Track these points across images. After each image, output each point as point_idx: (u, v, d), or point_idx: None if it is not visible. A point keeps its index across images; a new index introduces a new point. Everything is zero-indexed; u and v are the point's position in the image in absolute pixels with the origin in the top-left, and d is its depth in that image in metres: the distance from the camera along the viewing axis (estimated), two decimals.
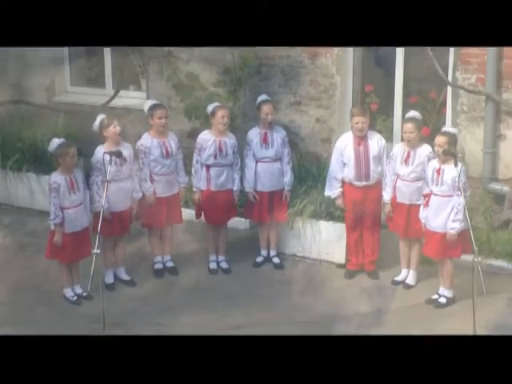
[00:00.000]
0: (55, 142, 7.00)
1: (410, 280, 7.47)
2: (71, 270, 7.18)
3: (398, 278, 7.53)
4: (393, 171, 7.32)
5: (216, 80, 9.20)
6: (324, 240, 7.87)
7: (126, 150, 7.27)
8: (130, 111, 9.98)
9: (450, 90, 8.61)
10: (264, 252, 7.99)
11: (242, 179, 7.74)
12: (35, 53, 10.15)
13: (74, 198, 6.98)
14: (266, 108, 7.62)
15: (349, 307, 7.09)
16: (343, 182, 7.54)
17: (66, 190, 6.93)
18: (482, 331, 6.05)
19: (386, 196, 7.40)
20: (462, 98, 8.48)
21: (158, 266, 7.78)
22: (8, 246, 8.47)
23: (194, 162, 7.62)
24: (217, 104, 7.66)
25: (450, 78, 8.49)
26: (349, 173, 7.47)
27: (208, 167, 7.57)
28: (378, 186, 7.48)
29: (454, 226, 6.78)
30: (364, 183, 7.46)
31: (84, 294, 7.19)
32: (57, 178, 6.94)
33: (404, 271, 7.53)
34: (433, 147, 7.06)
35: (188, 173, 7.72)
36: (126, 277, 7.55)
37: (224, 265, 7.85)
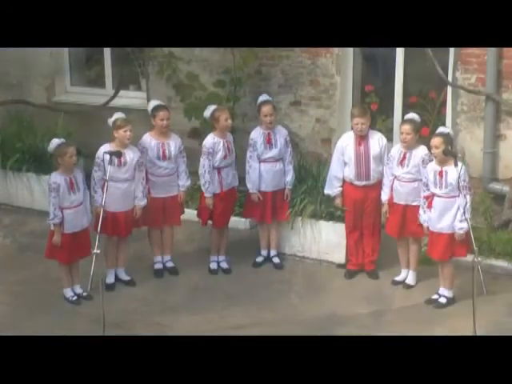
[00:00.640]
0: (54, 142, 7.01)
1: (410, 280, 7.47)
2: (71, 270, 7.18)
3: (398, 278, 7.53)
4: (390, 172, 7.33)
5: (216, 80, 9.19)
6: (324, 240, 7.87)
7: (131, 153, 7.25)
8: (130, 111, 9.98)
9: (449, 89, 8.61)
10: (264, 252, 7.99)
11: (243, 179, 7.73)
12: (35, 53, 10.16)
13: (73, 198, 6.98)
14: (265, 109, 7.61)
15: (349, 307, 7.09)
16: (344, 182, 7.55)
17: (65, 190, 6.94)
18: (481, 331, 6.05)
19: (384, 196, 7.40)
20: (462, 97, 8.48)
21: (158, 265, 7.78)
22: (8, 245, 8.47)
23: (205, 167, 7.47)
24: (214, 107, 7.61)
25: (450, 78, 8.49)
26: (349, 172, 7.47)
27: (219, 170, 7.56)
28: (379, 185, 7.48)
29: (462, 226, 6.75)
30: (364, 183, 7.46)
31: (84, 294, 7.19)
32: (56, 178, 6.94)
33: (404, 271, 7.53)
34: (430, 149, 7.05)
35: (190, 174, 7.68)
36: (125, 277, 7.54)
37: (224, 265, 7.85)
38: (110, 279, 7.45)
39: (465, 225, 6.73)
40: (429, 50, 8.34)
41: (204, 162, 7.50)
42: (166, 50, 9.32)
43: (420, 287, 7.41)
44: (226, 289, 7.46)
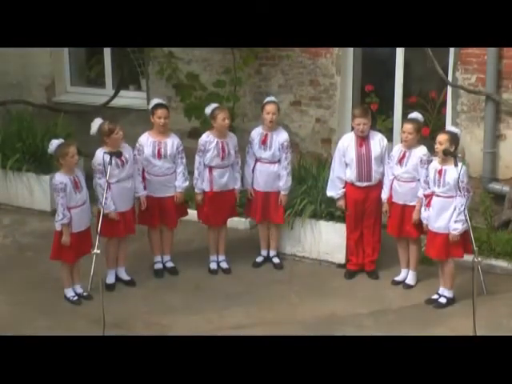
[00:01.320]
0: (54, 143, 6.98)
1: (410, 280, 7.47)
2: (72, 270, 7.18)
3: (398, 278, 7.53)
4: (391, 171, 7.33)
5: (216, 80, 9.20)
6: (324, 240, 7.87)
7: (127, 151, 7.26)
8: (130, 111, 10.00)
9: (449, 89, 8.62)
10: (264, 252, 7.99)
11: (242, 177, 7.75)
12: (35, 53, 10.16)
13: (78, 197, 6.98)
14: (268, 107, 7.60)
15: (349, 307, 7.09)
16: (345, 183, 7.54)
17: (71, 189, 6.93)
18: (481, 331, 6.05)
19: (383, 195, 7.41)
20: (462, 97, 8.49)
21: (158, 265, 7.78)
22: (8, 245, 8.47)
23: (196, 163, 7.59)
24: (215, 106, 7.62)
25: (450, 78, 8.50)
26: (351, 173, 7.47)
27: (211, 169, 7.56)
28: (380, 186, 7.48)
29: (456, 227, 6.77)
30: (366, 184, 7.46)
31: (84, 293, 7.19)
32: (62, 178, 6.93)
33: (404, 271, 7.53)
34: (432, 147, 7.06)
35: (189, 173, 7.69)
36: (126, 277, 7.54)
37: (224, 265, 7.85)
38: (110, 279, 7.45)
39: (459, 226, 6.74)
40: (429, 50, 8.34)
41: (196, 158, 7.58)
42: (165, 49, 9.32)
43: (420, 287, 7.42)
44: (226, 289, 7.46)
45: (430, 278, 7.40)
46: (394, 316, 6.94)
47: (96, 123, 7.17)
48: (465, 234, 6.78)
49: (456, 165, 6.65)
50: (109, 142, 7.12)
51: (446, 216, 6.84)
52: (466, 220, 6.44)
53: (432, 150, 7.17)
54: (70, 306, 7.10)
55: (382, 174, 7.46)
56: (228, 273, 7.80)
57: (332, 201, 7.69)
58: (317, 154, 9.11)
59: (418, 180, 7.14)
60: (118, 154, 7.02)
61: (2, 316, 6.90)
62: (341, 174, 7.53)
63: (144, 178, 7.47)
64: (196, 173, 7.59)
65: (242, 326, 6.74)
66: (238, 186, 7.70)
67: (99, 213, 6.87)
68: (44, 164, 9.18)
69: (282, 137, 7.66)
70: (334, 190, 7.60)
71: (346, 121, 8.96)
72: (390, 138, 8.73)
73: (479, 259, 6.04)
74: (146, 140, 7.45)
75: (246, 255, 8.00)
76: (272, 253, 7.96)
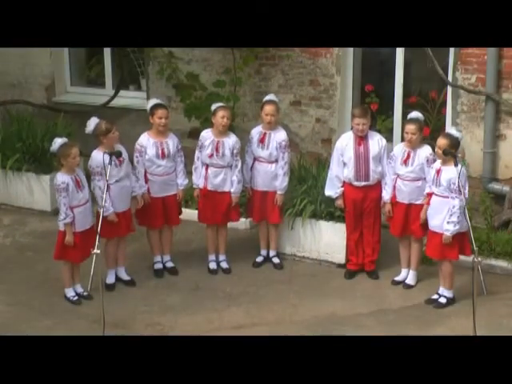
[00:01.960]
0: (57, 141, 6.95)
1: (410, 280, 7.47)
2: (73, 270, 7.17)
3: (398, 278, 7.53)
4: (393, 171, 7.33)
5: (216, 80, 9.20)
6: (324, 240, 7.87)
7: (123, 151, 7.25)
8: (130, 111, 10.00)
9: (449, 89, 8.62)
10: (264, 252, 8.00)
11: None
12: (35, 53, 10.17)
13: (81, 196, 6.98)
14: (267, 108, 7.60)
15: (349, 307, 7.09)
16: (343, 182, 7.55)
17: (74, 188, 6.92)
18: (481, 331, 6.05)
19: (386, 196, 7.40)
20: (462, 97, 8.49)
21: (158, 265, 7.78)
22: (8, 245, 8.47)
23: (195, 158, 7.62)
24: (219, 104, 7.64)
25: (450, 78, 8.50)
26: (348, 173, 7.47)
27: (207, 166, 7.58)
28: (378, 186, 7.48)
29: (448, 228, 6.78)
30: (363, 183, 7.46)
31: (84, 293, 7.19)
32: (64, 177, 6.91)
33: (404, 271, 7.53)
34: (433, 147, 7.06)
35: (188, 173, 7.70)
36: (126, 277, 7.54)
37: (224, 265, 7.85)
38: (110, 279, 7.45)
39: (451, 227, 6.74)
40: (429, 50, 8.34)
41: (196, 152, 7.63)
42: (165, 49, 9.32)
43: (420, 287, 7.42)
44: (225, 289, 7.46)
45: (430, 278, 7.40)
46: (394, 316, 6.94)
47: (92, 122, 7.15)
48: (461, 236, 6.79)
49: (456, 165, 6.65)
50: (105, 142, 7.10)
51: (441, 216, 6.84)
52: (466, 220, 6.44)
53: (432, 150, 7.18)
54: (70, 306, 7.10)
55: (381, 174, 7.46)
56: (228, 273, 7.80)
57: (332, 201, 7.68)
58: (317, 154, 9.11)
59: (424, 179, 7.14)
60: (118, 154, 7.01)
61: (2, 316, 6.89)
62: (339, 173, 7.53)
63: (147, 180, 7.47)
64: (193, 167, 7.63)
65: (241, 326, 6.74)
66: (233, 189, 7.61)
67: (99, 213, 6.88)
68: (44, 164, 9.18)
69: (279, 136, 7.64)
70: (332, 189, 7.60)
71: (346, 121, 8.96)
72: (390, 138, 8.73)
73: (479, 259, 6.03)
74: (147, 141, 7.44)
75: (246, 255, 8.00)
76: (272, 253, 7.96)
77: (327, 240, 7.85)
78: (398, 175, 7.29)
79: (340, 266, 7.82)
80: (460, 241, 6.83)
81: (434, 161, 7.06)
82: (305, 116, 9.32)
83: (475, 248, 6.08)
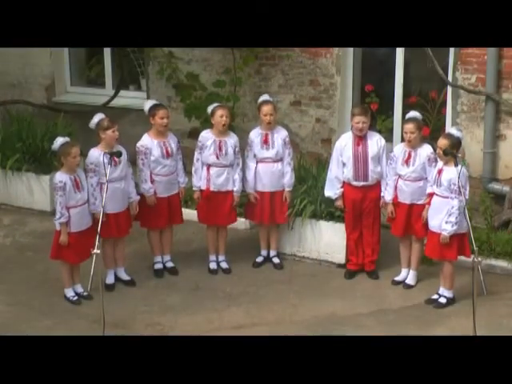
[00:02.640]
0: (59, 140, 6.98)
1: (410, 280, 7.47)
2: (72, 270, 7.17)
3: (398, 278, 7.53)
4: (394, 172, 7.32)
5: (216, 80, 9.20)
6: (324, 240, 7.87)
7: (123, 152, 7.25)
8: (130, 111, 10.00)
9: (449, 89, 8.62)
10: (264, 252, 7.99)
11: (243, 180, 7.72)
12: (35, 53, 10.17)
13: (79, 196, 6.98)
14: (265, 108, 7.60)
15: (349, 307, 7.09)
16: (343, 183, 7.54)
17: (71, 188, 6.92)
18: (481, 331, 6.05)
19: (388, 196, 7.39)
20: (462, 97, 8.49)
21: (158, 265, 7.78)
22: (8, 245, 8.47)
23: (194, 160, 7.61)
24: (216, 104, 7.64)
25: (450, 78, 8.50)
26: (347, 173, 7.47)
27: (208, 166, 7.57)
28: (378, 186, 7.48)
29: (445, 228, 6.78)
30: (362, 183, 7.46)
31: (84, 293, 7.19)
32: (62, 177, 6.93)
33: (404, 271, 7.53)
34: (434, 147, 7.06)
35: (188, 173, 7.71)
36: (126, 277, 7.54)
37: (224, 265, 7.85)
38: (110, 279, 7.45)
39: (448, 227, 6.74)
40: (429, 50, 8.34)
41: (195, 154, 7.60)
42: (165, 49, 9.33)
43: (420, 287, 7.42)
44: (225, 289, 7.46)
45: (430, 278, 7.40)
46: (394, 316, 6.94)
47: (97, 117, 7.22)
48: (461, 237, 6.79)
49: (456, 165, 6.65)
50: (104, 139, 7.12)
51: (440, 216, 6.84)
52: (466, 220, 6.44)
53: (433, 150, 7.18)
54: (70, 306, 7.10)
55: (380, 174, 7.46)
56: (228, 273, 7.80)
57: (332, 201, 7.68)
58: (317, 154, 9.11)
59: (425, 179, 7.14)
60: (118, 155, 7.02)
61: (2, 316, 6.89)
62: (338, 174, 7.53)
63: (152, 181, 7.47)
64: (193, 169, 7.61)
65: (241, 326, 6.74)
66: (236, 188, 7.65)
67: (95, 213, 6.87)
68: (44, 164, 9.18)
69: (282, 133, 7.70)
70: (331, 190, 7.60)
71: (346, 121, 8.95)
72: (389, 138, 8.74)
73: (479, 259, 6.03)
74: (151, 142, 7.44)
75: (246, 255, 8.00)
76: (272, 253, 7.96)
77: (327, 240, 7.85)
78: (400, 176, 7.28)
79: (340, 265, 7.82)
80: (459, 241, 6.83)
81: (435, 160, 7.07)
82: (305, 116, 9.32)
83: (475, 248, 6.08)
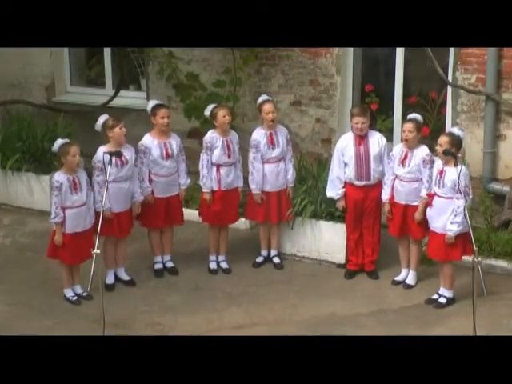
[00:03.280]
0: (59, 141, 7.00)
1: (410, 280, 7.47)
2: (72, 271, 7.17)
3: (398, 278, 7.53)
4: (392, 171, 7.33)
5: (216, 80, 9.20)
6: (324, 240, 7.87)
7: (129, 152, 7.26)
8: (130, 111, 10.00)
9: (449, 89, 8.62)
10: (264, 252, 7.99)
11: (247, 180, 7.72)
12: (35, 53, 10.16)
13: (75, 198, 6.97)
14: (267, 107, 7.60)
15: (349, 307, 7.09)
16: (345, 183, 7.54)
17: (68, 189, 6.93)
18: (481, 331, 6.05)
19: (385, 195, 7.40)
20: (462, 97, 8.49)
21: (158, 265, 7.78)
22: (8, 245, 8.47)
23: (203, 162, 7.55)
24: (214, 105, 7.63)
25: (450, 78, 8.50)
26: (349, 172, 7.47)
27: (219, 167, 7.56)
28: (379, 185, 7.48)
29: (451, 228, 6.78)
30: (364, 183, 7.46)
31: (84, 294, 7.19)
32: (60, 177, 6.94)
33: (404, 271, 7.53)
34: (433, 147, 7.06)
35: (191, 174, 7.69)
36: (126, 277, 7.54)
37: (224, 265, 7.85)
38: (110, 279, 7.45)
39: (454, 227, 6.74)
40: (429, 50, 8.34)
41: (202, 157, 7.56)
42: (165, 49, 9.32)
43: (420, 287, 7.42)
44: (225, 289, 7.46)
45: (430, 278, 7.40)
46: (394, 316, 6.94)
47: (102, 118, 7.24)
48: (464, 237, 6.78)
49: (456, 165, 6.65)
50: (112, 137, 7.14)
51: (444, 217, 6.84)
52: (466, 220, 6.44)
53: (432, 150, 7.18)
54: (69, 306, 7.10)
55: (382, 174, 7.47)
56: (228, 273, 7.80)
57: (332, 201, 7.68)
58: (317, 154, 9.11)
59: (421, 180, 7.14)
60: (118, 154, 7.02)
61: (2, 316, 6.89)
62: (340, 174, 7.53)
63: (150, 181, 7.47)
64: (204, 171, 7.54)
65: (241, 326, 6.74)
66: (241, 184, 7.72)
67: (98, 212, 6.88)
68: (44, 164, 9.19)
69: (284, 132, 7.77)
70: (333, 191, 7.60)
71: (346, 121, 8.94)
72: (389, 138, 8.73)
73: (479, 259, 6.04)
74: (152, 142, 7.44)
75: (246, 255, 8.00)
76: (273, 252, 7.96)
77: (327, 240, 7.85)
78: (396, 176, 7.29)
79: (340, 266, 7.82)
80: (462, 241, 6.82)
81: (431, 162, 7.07)
82: (305, 116, 9.32)
83: (475, 248, 6.08)
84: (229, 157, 7.54)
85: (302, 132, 9.34)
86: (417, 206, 7.18)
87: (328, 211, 7.82)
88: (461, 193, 6.66)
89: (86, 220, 7.06)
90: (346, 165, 7.49)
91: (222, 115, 7.47)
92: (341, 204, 7.61)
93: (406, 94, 8.98)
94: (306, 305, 7.15)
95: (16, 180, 9.32)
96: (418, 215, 7.14)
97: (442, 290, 7.10)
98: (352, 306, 7.11)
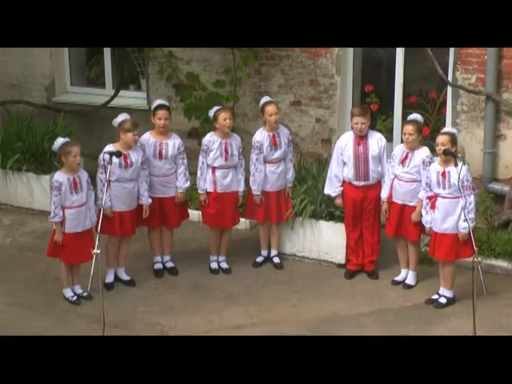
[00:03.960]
0: (59, 141, 6.99)
1: (410, 280, 7.47)
2: (72, 270, 7.17)
3: (398, 278, 7.53)
4: (392, 170, 7.33)
5: (216, 80, 9.20)
6: (324, 240, 7.87)
7: (136, 154, 7.24)
8: (130, 111, 9.98)
9: (449, 89, 8.62)
10: (264, 252, 7.99)
11: (247, 181, 7.71)
12: (35, 53, 10.16)
13: (75, 198, 6.97)
14: (270, 108, 7.58)
15: (349, 307, 7.09)
16: (343, 182, 7.55)
17: (67, 189, 6.92)
18: (481, 331, 6.05)
19: (383, 194, 7.41)
20: (462, 98, 8.49)
21: (158, 265, 7.78)
22: (8, 245, 8.47)
23: (200, 163, 7.57)
24: (218, 107, 7.62)
25: (450, 78, 8.50)
26: (348, 172, 7.48)
27: (214, 169, 7.56)
28: (378, 186, 7.48)
29: (466, 226, 6.71)
30: (363, 183, 7.47)
31: (84, 294, 7.19)
32: (60, 176, 6.94)
33: (404, 271, 7.53)
34: (433, 147, 7.06)
35: (191, 174, 7.68)
36: (126, 277, 7.54)
37: (224, 265, 7.85)
38: (110, 279, 7.45)
39: (466, 224, 6.72)
40: (429, 50, 8.34)
41: (199, 159, 7.57)
42: (165, 50, 9.32)
43: (420, 287, 7.42)
44: (226, 289, 7.46)
45: (430, 278, 7.41)
46: (394, 316, 6.94)
47: (122, 116, 7.24)
48: (469, 234, 6.78)
49: (456, 164, 6.65)
50: (123, 139, 7.15)
51: (453, 217, 6.82)
52: (472, 220, 6.45)
53: (432, 151, 7.18)
54: (69, 306, 7.10)
55: (381, 174, 7.47)
56: (228, 273, 7.80)
57: (332, 201, 7.68)
58: (317, 154, 9.11)
59: (420, 181, 7.14)
60: (118, 155, 7.01)
61: (2, 316, 6.89)
62: (338, 172, 7.53)
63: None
64: (199, 173, 7.58)
65: (241, 326, 6.74)
66: (241, 188, 7.67)
67: (100, 211, 6.88)
68: (44, 164, 9.18)
69: (286, 132, 7.78)
70: (331, 188, 7.61)
71: (346, 121, 8.94)
72: (390, 138, 8.73)
73: (479, 259, 6.04)
74: (148, 140, 7.44)
75: (246, 255, 8.00)
76: (273, 252, 7.96)
77: (327, 240, 7.85)
78: (396, 175, 7.29)
79: (340, 266, 7.82)
80: (469, 238, 6.80)
81: (430, 163, 7.07)
82: (305, 116, 9.31)
83: (475, 248, 6.08)
84: (226, 160, 7.52)
85: (301, 132, 9.34)
86: (414, 207, 7.18)
87: (328, 211, 7.82)
88: (468, 189, 6.68)
89: (86, 220, 7.06)
90: (344, 164, 7.49)
91: (223, 118, 7.46)
92: (338, 202, 7.60)
93: (406, 94, 8.98)
94: (306, 305, 7.15)
95: (16, 180, 9.32)
96: (414, 216, 7.14)
97: (442, 290, 7.10)
98: (352, 306, 7.11)
